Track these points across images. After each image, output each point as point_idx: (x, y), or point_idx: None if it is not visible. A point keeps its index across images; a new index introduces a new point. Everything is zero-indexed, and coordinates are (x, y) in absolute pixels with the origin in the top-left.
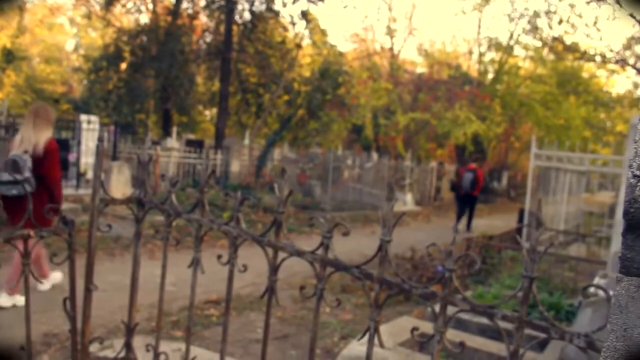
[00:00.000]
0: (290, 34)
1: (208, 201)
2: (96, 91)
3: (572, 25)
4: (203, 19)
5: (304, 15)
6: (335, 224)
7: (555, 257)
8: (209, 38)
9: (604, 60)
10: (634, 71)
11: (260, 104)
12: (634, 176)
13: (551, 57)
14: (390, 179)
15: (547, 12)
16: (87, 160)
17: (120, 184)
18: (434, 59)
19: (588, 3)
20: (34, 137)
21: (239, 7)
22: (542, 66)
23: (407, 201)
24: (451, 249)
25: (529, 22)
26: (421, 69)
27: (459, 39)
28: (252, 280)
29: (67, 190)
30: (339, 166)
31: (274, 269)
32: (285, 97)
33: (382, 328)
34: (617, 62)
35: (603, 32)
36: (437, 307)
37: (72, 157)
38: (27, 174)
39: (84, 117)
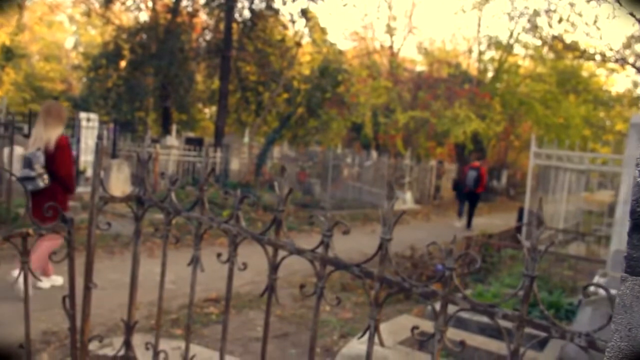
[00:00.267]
0: (290, 32)
1: (207, 199)
2: (95, 89)
3: (572, 24)
4: (203, 16)
5: (304, 13)
6: (335, 222)
7: (554, 256)
8: (208, 36)
9: (604, 59)
10: (634, 70)
11: (260, 102)
12: None
13: (551, 55)
14: (391, 178)
15: (547, 11)
16: (86, 158)
17: (119, 182)
18: (433, 57)
19: (588, 2)
20: (45, 135)
21: (239, 5)
22: (541, 65)
23: (406, 200)
24: (451, 247)
25: (528, 20)
26: (421, 68)
27: (459, 38)
28: (251, 278)
29: None
30: (338, 164)
31: (274, 267)
32: (285, 96)
33: (382, 326)
34: (616, 61)
35: (603, 30)
36: (437, 306)
37: None
38: (40, 170)
39: (83, 115)
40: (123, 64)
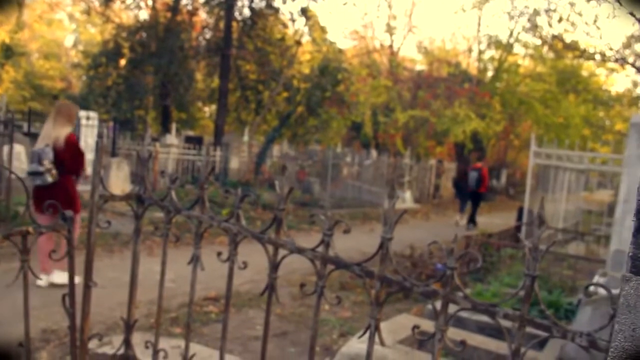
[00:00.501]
0: (289, 31)
1: (207, 198)
2: (95, 87)
3: (572, 24)
4: (203, 15)
5: (304, 12)
6: (336, 221)
7: (554, 256)
8: (208, 35)
9: (604, 59)
10: (634, 70)
11: (260, 101)
12: None
13: (551, 55)
14: (391, 177)
15: (547, 10)
16: (86, 156)
17: (119, 180)
18: (433, 56)
19: (588, 1)
20: (54, 133)
21: (239, 3)
22: (541, 64)
23: (406, 199)
24: (452, 246)
25: (528, 20)
26: (421, 67)
27: (459, 37)
28: (250, 277)
29: None
30: (338, 163)
31: (274, 266)
32: (285, 94)
33: (381, 326)
34: (616, 60)
35: (603, 30)
36: (438, 305)
37: None
38: (49, 165)
39: (83, 113)
40: (123, 62)
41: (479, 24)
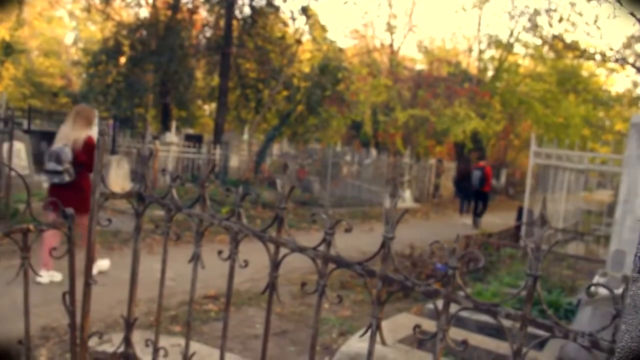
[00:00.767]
0: (290, 30)
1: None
2: (95, 85)
3: (572, 24)
4: (203, 13)
5: (304, 10)
6: (338, 220)
7: (554, 256)
8: (208, 33)
9: (604, 59)
10: (634, 70)
11: (260, 100)
12: None
13: (551, 55)
14: (393, 176)
15: (548, 10)
16: None
17: (119, 178)
18: (433, 56)
19: (588, 1)
20: (72, 134)
21: (239, 2)
22: (541, 64)
23: (405, 198)
24: (454, 246)
25: (529, 19)
26: (421, 66)
27: (459, 36)
28: (250, 275)
29: None
30: (337, 162)
31: (275, 265)
32: (285, 93)
33: (382, 325)
34: (616, 60)
35: (603, 30)
36: (439, 305)
37: None
38: (67, 165)
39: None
40: (123, 60)
41: (479, 24)
